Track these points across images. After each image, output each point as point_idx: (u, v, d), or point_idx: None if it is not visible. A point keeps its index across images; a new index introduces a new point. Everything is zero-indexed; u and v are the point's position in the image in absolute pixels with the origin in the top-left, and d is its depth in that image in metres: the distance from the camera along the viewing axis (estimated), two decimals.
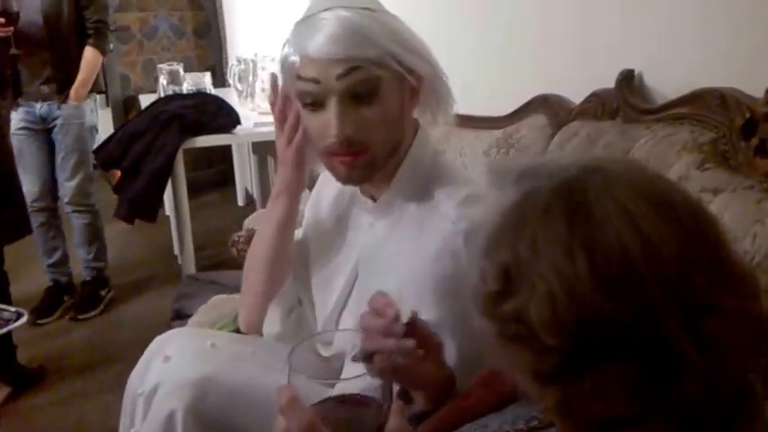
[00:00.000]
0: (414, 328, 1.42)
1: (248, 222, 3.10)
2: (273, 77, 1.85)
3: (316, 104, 1.65)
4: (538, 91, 2.56)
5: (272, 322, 2.02)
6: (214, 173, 7.71)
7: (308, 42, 1.61)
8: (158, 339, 1.96)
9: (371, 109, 1.63)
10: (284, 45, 1.70)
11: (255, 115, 4.70)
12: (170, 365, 1.84)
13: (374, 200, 1.81)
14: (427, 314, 1.58)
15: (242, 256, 3.00)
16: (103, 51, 4.79)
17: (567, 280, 0.91)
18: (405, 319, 1.39)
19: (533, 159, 1.06)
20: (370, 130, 1.65)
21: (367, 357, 1.36)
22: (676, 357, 0.90)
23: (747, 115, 1.69)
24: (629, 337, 0.90)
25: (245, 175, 7.26)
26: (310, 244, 2.01)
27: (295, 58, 1.65)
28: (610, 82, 2.18)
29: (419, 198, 1.74)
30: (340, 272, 1.88)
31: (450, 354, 1.58)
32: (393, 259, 1.72)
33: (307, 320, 2.03)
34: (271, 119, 4.43)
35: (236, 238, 3.01)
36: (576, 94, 2.38)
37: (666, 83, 2.07)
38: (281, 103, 1.83)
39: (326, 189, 2.02)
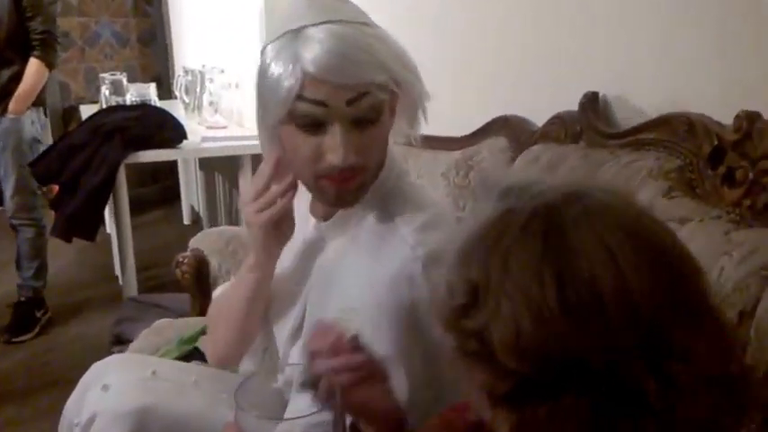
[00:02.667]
0: (359, 345, 1.42)
1: (194, 243, 3.06)
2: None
3: (314, 126, 1.59)
4: (500, 111, 2.56)
5: (248, 362, 2.00)
6: (159, 189, 7.66)
7: (314, 61, 1.54)
8: (96, 367, 1.93)
9: (371, 133, 1.61)
10: (270, 62, 1.61)
11: (203, 129, 4.69)
12: (108, 395, 1.81)
13: (325, 219, 1.80)
14: (382, 345, 1.57)
15: (186, 278, 2.97)
16: (50, 65, 4.72)
17: (534, 304, 0.91)
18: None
19: (522, 177, 1.06)
20: (368, 154, 1.63)
21: (315, 384, 1.35)
22: (636, 397, 0.91)
23: (715, 143, 1.70)
24: (590, 371, 0.91)
25: (191, 192, 7.22)
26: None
27: (293, 80, 1.56)
28: (574, 104, 2.19)
29: (377, 219, 1.73)
30: (295, 297, 1.86)
31: (402, 386, 1.57)
32: (346, 281, 1.71)
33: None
34: (218, 133, 4.43)
35: (181, 260, 2.97)
36: (538, 116, 2.38)
37: (632, 107, 2.08)
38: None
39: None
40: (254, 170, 4.40)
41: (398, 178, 1.79)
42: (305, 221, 1.86)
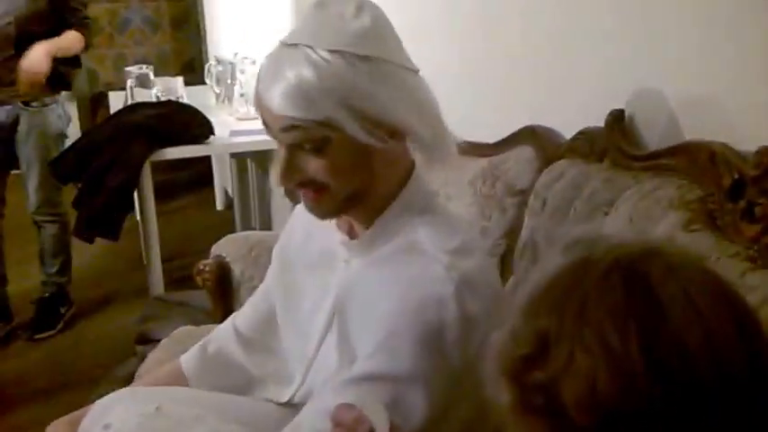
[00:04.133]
0: None
1: (216, 249, 3.08)
2: None
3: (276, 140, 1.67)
4: (529, 120, 2.56)
5: (273, 390, 2.06)
6: (192, 174, 7.64)
7: (261, 84, 1.62)
8: (101, 403, 1.94)
9: (320, 160, 1.62)
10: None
11: (233, 121, 4.69)
12: None
13: (351, 236, 1.81)
14: (403, 364, 1.59)
15: (208, 286, 2.99)
16: (89, 44, 4.72)
17: (615, 356, 0.88)
18: (383, 429, 1.32)
19: (588, 230, 1.04)
20: (322, 177, 1.65)
21: None
22: None
23: (736, 176, 1.69)
24: (667, 429, 0.88)
25: (224, 177, 7.18)
26: (279, 288, 2.01)
27: (255, 94, 1.66)
28: (601, 119, 2.19)
29: (405, 240, 1.72)
30: (317, 314, 1.87)
31: (418, 408, 1.58)
32: (371, 300, 1.70)
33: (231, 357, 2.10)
34: (249, 125, 4.42)
35: (202, 267, 2.98)
36: (567, 127, 2.39)
37: (657, 128, 2.08)
38: None
39: (298, 227, 2.02)
40: None
41: (426, 201, 1.80)
42: (324, 233, 1.87)
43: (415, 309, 1.61)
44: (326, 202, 1.69)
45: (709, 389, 0.88)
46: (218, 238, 3.19)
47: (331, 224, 1.84)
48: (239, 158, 5.97)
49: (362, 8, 1.64)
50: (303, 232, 1.97)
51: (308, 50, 1.58)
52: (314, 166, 1.63)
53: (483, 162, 2.60)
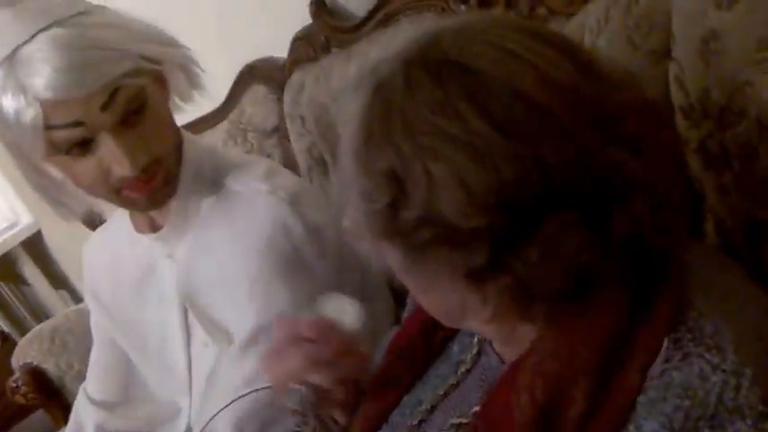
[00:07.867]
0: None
1: (16, 360, 2.95)
2: None
3: (83, 147, 1.52)
4: (240, 63, 2.54)
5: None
6: None
7: (47, 85, 1.45)
8: None
9: (147, 123, 1.55)
10: None
11: None
12: None
13: (155, 229, 1.76)
14: (281, 303, 1.60)
15: (32, 398, 2.87)
16: None
17: (466, 144, 0.86)
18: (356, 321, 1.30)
19: (363, 63, 0.99)
20: (156, 143, 1.58)
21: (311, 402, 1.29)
22: (615, 182, 0.88)
23: None
24: (558, 182, 0.86)
25: None
26: (120, 333, 1.96)
27: (32, 112, 1.47)
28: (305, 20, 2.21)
29: (215, 196, 1.71)
30: (168, 335, 1.83)
31: None
32: (218, 275, 1.68)
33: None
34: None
35: (15, 384, 2.85)
36: (283, 48, 2.37)
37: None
38: None
39: (95, 259, 1.98)
40: (34, 254, 4.25)
41: (211, 151, 1.78)
42: (129, 245, 1.83)
43: (263, 248, 1.62)
44: (163, 180, 1.63)
45: (562, 116, 0.87)
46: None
47: (131, 234, 1.79)
48: None
49: None
50: (106, 259, 1.92)
51: (56, 26, 1.48)
52: (144, 132, 1.55)
53: (223, 126, 2.58)
